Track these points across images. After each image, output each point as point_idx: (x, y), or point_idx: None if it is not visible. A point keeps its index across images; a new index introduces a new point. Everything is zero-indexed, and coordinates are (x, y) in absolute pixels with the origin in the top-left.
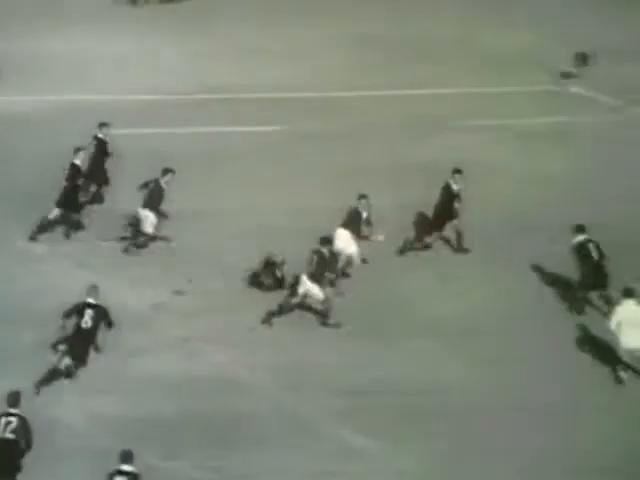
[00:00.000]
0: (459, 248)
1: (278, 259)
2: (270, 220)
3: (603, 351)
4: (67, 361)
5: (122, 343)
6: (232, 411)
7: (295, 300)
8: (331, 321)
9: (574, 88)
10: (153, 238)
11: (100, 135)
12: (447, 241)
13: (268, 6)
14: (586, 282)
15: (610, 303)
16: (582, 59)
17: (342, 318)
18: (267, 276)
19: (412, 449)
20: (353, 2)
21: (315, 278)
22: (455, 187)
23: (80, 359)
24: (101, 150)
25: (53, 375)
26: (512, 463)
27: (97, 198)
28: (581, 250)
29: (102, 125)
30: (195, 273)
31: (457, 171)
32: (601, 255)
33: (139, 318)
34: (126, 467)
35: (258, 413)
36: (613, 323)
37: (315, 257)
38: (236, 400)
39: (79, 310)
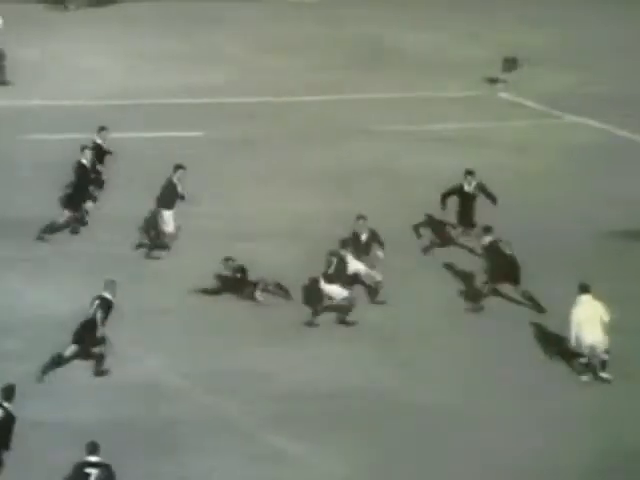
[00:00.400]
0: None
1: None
2: (184, 224)
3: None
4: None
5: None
6: (164, 417)
7: (325, 303)
8: (349, 319)
9: (501, 93)
10: (174, 236)
11: (98, 140)
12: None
13: (188, 13)
14: (498, 275)
15: (530, 299)
16: (510, 64)
17: (273, 325)
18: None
19: (342, 453)
20: (273, 8)
21: (331, 280)
22: (467, 187)
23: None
24: (98, 154)
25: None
26: (438, 464)
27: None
28: (492, 249)
29: (101, 129)
30: (122, 278)
31: (469, 172)
32: (512, 252)
33: (64, 323)
34: (94, 458)
35: (189, 418)
36: (574, 323)
37: (334, 259)
38: (168, 405)
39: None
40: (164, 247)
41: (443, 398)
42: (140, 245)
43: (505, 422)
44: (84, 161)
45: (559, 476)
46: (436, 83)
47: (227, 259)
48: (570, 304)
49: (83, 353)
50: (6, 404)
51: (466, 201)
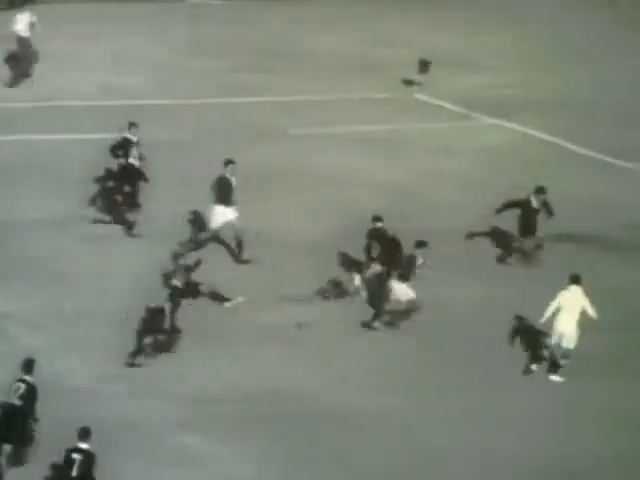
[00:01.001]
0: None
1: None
2: (97, 229)
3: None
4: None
5: None
6: (71, 418)
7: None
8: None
9: (417, 95)
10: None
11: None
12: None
13: (108, 13)
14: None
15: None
16: (425, 66)
17: (186, 325)
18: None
19: (252, 455)
20: (192, 8)
21: (404, 279)
22: (535, 204)
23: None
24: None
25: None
26: (357, 466)
27: None
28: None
29: (131, 125)
30: (33, 280)
31: (540, 190)
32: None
33: None
34: (82, 444)
35: (98, 420)
36: (552, 307)
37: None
38: (76, 407)
39: None
40: (202, 246)
41: (360, 400)
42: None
43: (414, 420)
44: (133, 160)
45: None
46: (352, 84)
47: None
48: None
49: None
50: (28, 377)
51: (530, 215)
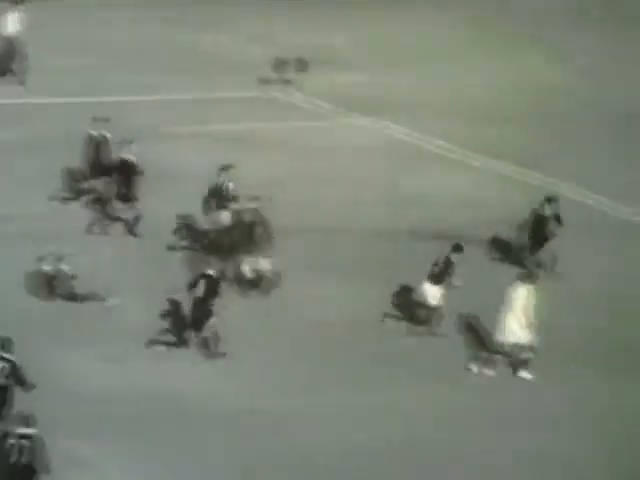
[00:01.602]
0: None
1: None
2: None
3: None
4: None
5: None
6: None
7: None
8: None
9: (287, 93)
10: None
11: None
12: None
13: None
14: None
15: None
16: (293, 65)
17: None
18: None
19: (131, 456)
20: (67, 9)
21: (436, 281)
22: (547, 212)
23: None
24: None
25: None
26: (240, 467)
27: None
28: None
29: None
30: None
31: (549, 200)
32: None
33: None
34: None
35: None
36: (505, 306)
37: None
38: None
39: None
40: None
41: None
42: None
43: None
44: (130, 157)
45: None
46: (222, 83)
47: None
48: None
49: None
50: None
51: (540, 225)
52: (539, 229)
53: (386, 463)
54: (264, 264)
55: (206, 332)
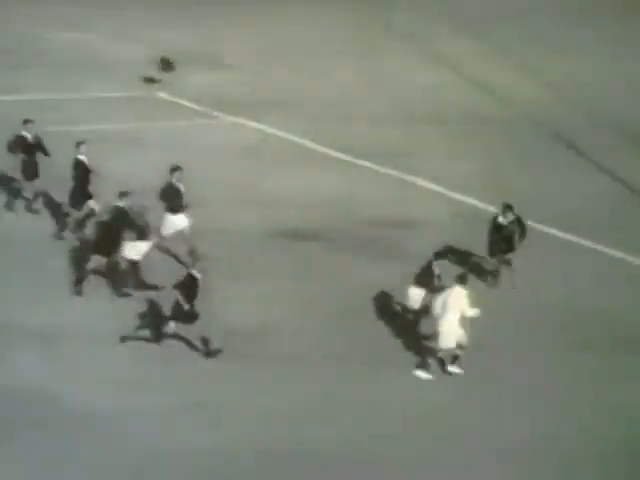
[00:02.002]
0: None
1: None
2: None
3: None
4: None
5: None
6: None
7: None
8: None
9: (159, 93)
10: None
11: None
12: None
13: None
14: None
15: None
16: (166, 64)
17: None
18: None
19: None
20: None
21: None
22: (502, 220)
23: None
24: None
25: None
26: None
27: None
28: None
29: (26, 122)
30: None
31: (508, 207)
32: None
33: None
34: None
35: None
36: (437, 306)
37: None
38: None
39: None
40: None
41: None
42: None
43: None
44: (82, 157)
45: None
46: (95, 83)
47: None
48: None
49: None
50: None
51: (499, 233)
52: (498, 236)
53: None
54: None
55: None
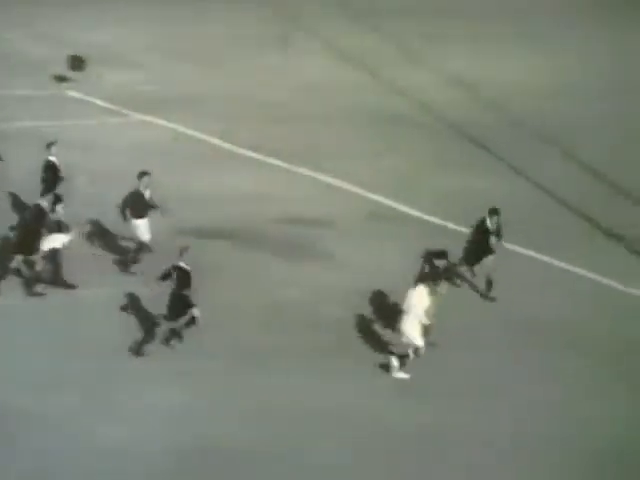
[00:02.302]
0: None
1: None
2: None
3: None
4: None
5: None
6: None
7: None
8: None
9: (69, 92)
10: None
11: None
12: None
13: None
14: None
15: None
16: (76, 63)
17: None
18: None
19: None
20: None
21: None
22: (489, 224)
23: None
24: None
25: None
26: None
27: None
28: None
29: None
30: None
31: (494, 211)
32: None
33: None
34: None
35: None
36: (404, 306)
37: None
38: None
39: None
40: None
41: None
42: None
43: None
44: (52, 158)
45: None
46: (2, 81)
47: None
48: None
49: None
50: None
51: (484, 236)
52: (479, 240)
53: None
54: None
55: (181, 323)
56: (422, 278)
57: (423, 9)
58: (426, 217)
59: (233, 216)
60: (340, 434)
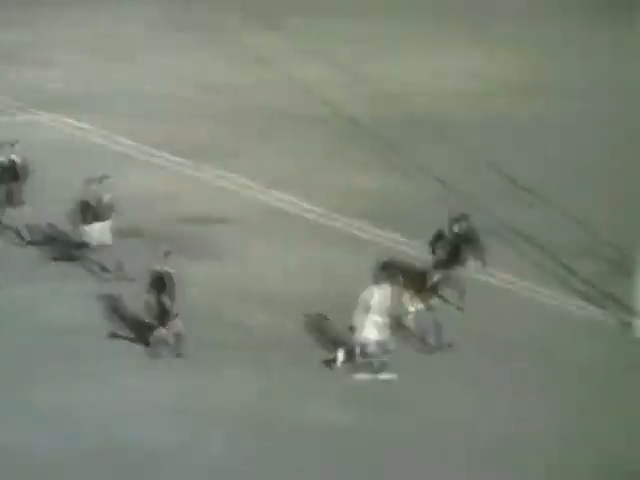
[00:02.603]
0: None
1: None
2: None
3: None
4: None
5: None
6: None
7: None
8: None
9: None
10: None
11: None
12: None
13: None
14: None
15: None
16: None
17: None
18: None
19: None
20: None
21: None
22: (457, 229)
23: None
24: None
25: None
26: None
27: None
28: None
29: None
30: None
31: (464, 216)
32: None
33: None
34: None
35: None
36: (361, 307)
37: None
38: None
39: None
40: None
41: None
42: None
43: None
44: (14, 157)
45: None
46: None
47: None
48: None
49: None
50: None
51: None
52: (446, 247)
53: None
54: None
55: (169, 330)
56: (391, 276)
57: (327, 8)
58: (327, 214)
59: (139, 215)
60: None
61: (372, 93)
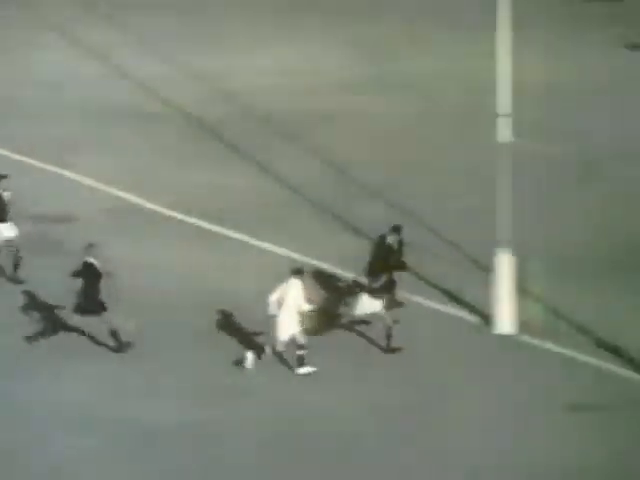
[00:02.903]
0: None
1: None
2: None
3: None
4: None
5: None
6: None
7: None
8: None
9: None
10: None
11: None
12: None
13: None
14: None
15: None
16: None
17: None
18: None
19: None
20: None
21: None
22: (390, 240)
23: None
24: None
25: None
26: None
27: None
28: None
29: None
30: None
31: (397, 228)
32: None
33: None
34: None
35: None
36: (273, 298)
37: None
38: None
39: None
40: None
41: None
42: None
43: None
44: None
45: None
46: None
47: None
48: None
49: None
50: None
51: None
52: (380, 255)
53: None
54: None
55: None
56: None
57: (164, 4)
58: (168, 213)
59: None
60: None
61: (217, 91)
